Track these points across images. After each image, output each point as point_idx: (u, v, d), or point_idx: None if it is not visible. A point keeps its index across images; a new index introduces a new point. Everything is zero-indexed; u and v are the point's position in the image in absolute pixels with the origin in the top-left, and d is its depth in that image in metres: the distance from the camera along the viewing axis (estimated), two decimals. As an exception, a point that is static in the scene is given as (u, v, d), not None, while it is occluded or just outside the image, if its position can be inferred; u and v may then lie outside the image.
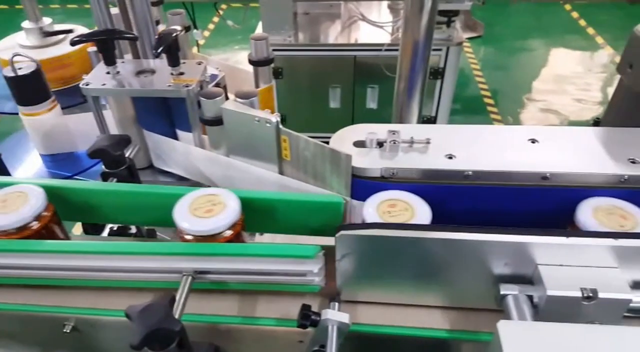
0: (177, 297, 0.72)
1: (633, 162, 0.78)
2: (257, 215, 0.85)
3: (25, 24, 1.39)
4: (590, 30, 5.01)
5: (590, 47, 4.75)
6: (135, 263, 0.77)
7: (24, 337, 0.90)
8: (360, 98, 2.91)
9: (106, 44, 0.96)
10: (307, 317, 0.73)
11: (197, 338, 0.73)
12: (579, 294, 0.65)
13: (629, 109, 0.89)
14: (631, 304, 0.67)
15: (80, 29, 1.44)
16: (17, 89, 1.07)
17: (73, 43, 0.97)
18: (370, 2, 3.16)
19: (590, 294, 0.65)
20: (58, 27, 1.42)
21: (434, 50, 2.72)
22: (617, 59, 4.34)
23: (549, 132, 0.85)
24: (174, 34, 0.95)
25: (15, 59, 1.08)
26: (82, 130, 1.15)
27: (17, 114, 1.17)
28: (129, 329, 0.80)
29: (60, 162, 1.17)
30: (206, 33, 5.00)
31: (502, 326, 0.61)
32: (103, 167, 0.94)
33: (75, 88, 1.37)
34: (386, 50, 2.66)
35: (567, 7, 5.48)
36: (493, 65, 4.55)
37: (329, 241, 0.77)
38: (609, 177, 0.77)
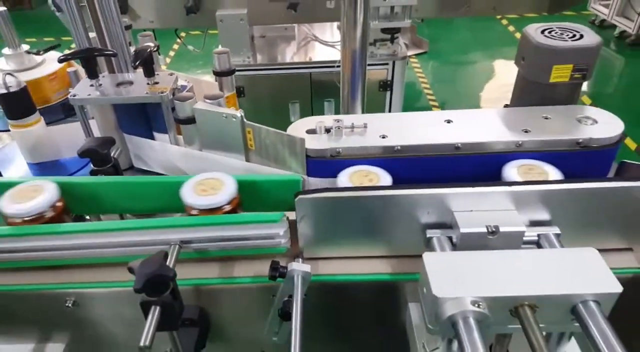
0: (167, 263, 0.87)
1: (526, 132, 0.99)
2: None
3: (5, 50, 1.53)
4: (526, 43, 5.42)
5: (526, 58, 5.14)
6: (128, 238, 0.91)
7: (29, 316, 1.02)
8: (318, 111, 3.11)
9: (89, 60, 1.12)
10: (276, 269, 0.89)
11: (184, 301, 0.88)
12: (484, 230, 0.84)
13: (523, 93, 1.11)
14: (526, 237, 0.87)
15: (56, 53, 1.59)
16: (8, 104, 1.20)
17: (61, 60, 1.13)
18: (321, 24, 3.39)
19: (494, 229, 0.85)
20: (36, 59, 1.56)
21: (381, 64, 2.98)
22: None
23: (461, 114, 1.06)
24: (149, 50, 1.12)
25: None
26: (65, 139, 1.29)
27: (7, 130, 1.31)
28: (123, 300, 0.96)
29: (46, 169, 1.30)
30: (168, 59, 5.15)
31: (427, 256, 0.79)
32: (92, 166, 1.08)
33: (54, 107, 1.51)
34: (338, 66, 2.88)
35: (504, 21, 5.92)
36: (440, 78, 4.87)
37: (293, 215, 0.94)
38: (507, 144, 0.98)
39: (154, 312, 0.79)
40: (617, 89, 4.90)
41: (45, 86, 1.42)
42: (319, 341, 1.05)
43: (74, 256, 0.94)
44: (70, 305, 0.97)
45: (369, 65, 2.95)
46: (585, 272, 0.76)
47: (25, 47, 1.55)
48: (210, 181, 0.96)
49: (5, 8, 1.49)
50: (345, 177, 0.98)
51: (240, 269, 0.97)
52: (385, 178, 0.97)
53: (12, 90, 1.19)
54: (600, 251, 0.94)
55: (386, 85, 3.00)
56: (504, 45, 5.39)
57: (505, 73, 4.83)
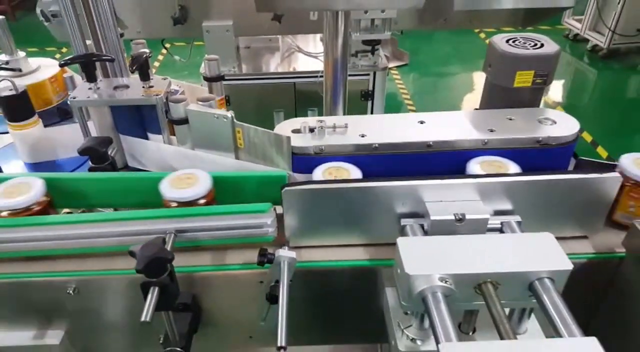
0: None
1: (491, 131, 1.10)
2: (222, 191, 1.09)
3: (2, 56, 1.59)
4: (503, 56, 5.63)
5: (503, 70, 5.34)
6: (127, 227, 0.99)
7: (32, 303, 1.08)
8: (301, 120, 3.20)
9: (88, 65, 1.20)
10: (264, 256, 0.97)
11: (181, 288, 0.96)
12: (452, 217, 0.94)
13: (490, 97, 1.22)
14: (490, 225, 0.96)
15: (54, 62, 1.65)
16: (8, 107, 1.27)
17: (62, 65, 1.20)
18: (305, 35, 3.50)
19: (460, 217, 0.94)
20: (32, 61, 1.63)
21: (363, 75, 3.10)
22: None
23: (433, 116, 1.16)
24: (144, 56, 1.20)
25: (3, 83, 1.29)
26: (62, 140, 1.36)
27: (5, 132, 1.37)
28: (122, 288, 1.02)
29: (43, 170, 1.36)
30: (153, 69, 5.22)
31: (400, 240, 0.88)
32: (90, 163, 1.16)
33: (50, 111, 1.58)
34: (321, 76, 2.98)
35: (482, 35, 6.12)
36: (420, 89, 5.02)
37: (280, 209, 1.02)
38: (475, 142, 1.08)
39: (153, 292, 0.86)
40: (591, 101, 5.10)
41: (41, 91, 1.48)
42: (304, 325, 1.12)
43: (76, 245, 1.01)
44: (71, 292, 1.04)
45: (350, 75, 3.08)
46: (541, 253, 0.85)
47: (22, 54, 1.62)
48: (187, 176, 1.04)
49: (3, 17, 1.56)
50: (319, 172, 1.07)
51: (231, 257, 1.04)
52: (356, 173, 1.06)
53: (12, 93, 1.26)
54: (559, 238, 1.04)
55: (367, 95, 3.11)
56: (482, 57, 5.55)
57: (482, 84, 5.00)
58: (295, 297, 1.06)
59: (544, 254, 0.85)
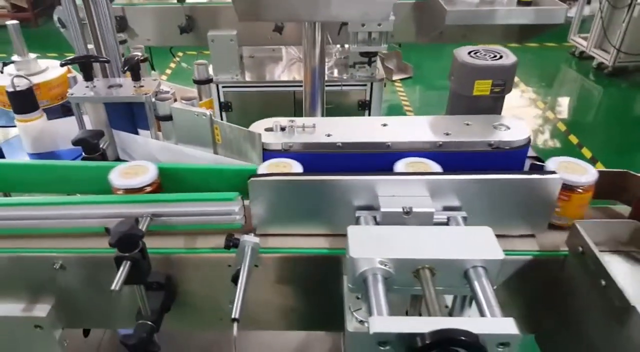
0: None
1: (447, 134, 1.18)
2: (199, 182, 1.19)
3: (15, 57, 1.72)
4: (508, 72, 5.71)
5: (508, 86, 5.41)
6: (108, 210, 1.09)
7: (21, 277, 1.18)
8: (300, 127, 3.30)
9: (86, 65, 1.31)
10: (230, 240, 1.07)
11: (154, 268, 1.05)
12: (401, 210, 1.02)
13: (453, 105, 1.31)
14: (437, 219, 1.05)
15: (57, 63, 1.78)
16: (15, 100, 1.39)
17: (62, 64, 1.32)
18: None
19: (408, 210, 1.02)
20: (41, 62, 1.76)
21: (360, 85, 3.20)
22: (531, 94, 4.96)
23: (396, 120, 1.25)
24: (136, 58, 1.32)
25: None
26: (62, 133, 1.47)
27: (12, 126, 1.49)
28: (103, 266, 1.12)
29: (44, 159, 1.48)
30: (164, 77, 5.39)
31: (350, 228, 0.96)
32: (83, 153, 1.27)
33: (54, 108, 1.70)
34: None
35: (489, 51, 6.20)
36: (424, 102, 5.11)
37: None
38: (430, 143, 1.17)
39: (125, 266, 0.96)
40: (595, 117, 5.14)
41: (47, 89, 1.61)
42: (268, 309, 1.21)
43: (61, 225, 1.12)
44: (57, 267, 1.14)
45: (348, 85, 3.19)
46: (477, 244, 0.93)
47: (33, 55, 1.75)
48: (135, 167, 1.14)
49: (17, 21, 1.69)
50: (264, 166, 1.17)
51: (202, 242, 1.14)
52: (297, 169, 1.16)
53: (19, 89, 1.38)
54: (508, 236, 1.13)
55: (365, 105, 3.21)
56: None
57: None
58: (260, 283, 1.16)
59: (480, 245, 0.93)
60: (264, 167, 1.16)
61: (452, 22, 2.63)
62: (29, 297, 1.22)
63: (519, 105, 5.01)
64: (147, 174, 1.12)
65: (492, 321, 0.81)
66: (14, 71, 1.72)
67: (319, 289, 1.18)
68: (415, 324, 0.77)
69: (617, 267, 1.04)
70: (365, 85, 3.16)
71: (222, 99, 3.13)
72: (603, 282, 0.92)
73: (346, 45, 3.28)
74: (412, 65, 5.41)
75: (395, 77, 5.31)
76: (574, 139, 4.41)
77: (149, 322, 1.08)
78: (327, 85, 3.12)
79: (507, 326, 0.78)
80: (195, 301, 1.22)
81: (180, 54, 5.66)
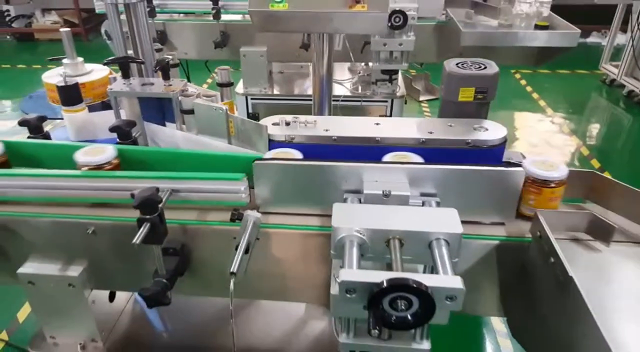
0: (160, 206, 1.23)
1: (430, 133, 1.34)
2: (214, 167, 1.38)
3: (65, 60, 1.98)
4: (535, 95, 5.77)
5: (535, 109, 5.48)
6: (134, 184, 1.28)
7: (58, 241, 1.39)
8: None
9: (124, 65, 1.54)
10: (236, 213, 1.25)
11: (171, 236, 1.24)
12: (381, 193, 1.18)
13: (443, 110, 1.45)
14: (413, 202, 1.20)
15: (103, 67, 2.04)
16: (64, 94, 1.63)
17: (105, 63, 1.55)
18: (334, 63, 3.82)
19: (387, 193, 1.18)
20: (87, 65, 2.01)
21: (381, 101, 3.37)
22: (556, 119, 5.00)
23: (388, 120, 1.42)
24: (166, 60, 1.54)
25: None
26: (101, 124, 1.69)
27: (59, 118, 1.73)
28: (129, 233, 1.31)
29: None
30: (205, 85, 5.72)
31: (336, 205, 1.13)
32: (118, 139, 1.48)
33: (96, 105, 1.94)
34: (342, 100, 3.29)
35: (517, 75, 6.29)
36: (449, 122, 5.21)
37: None
38: (414, 140, 1.32)
39: (145, 227, 1.15)
40: (622, 144, 5.12)
41: (91, 88, 1.84)
42: (268, 280, 1.38)
43: (94, 196, 1.32)
44: (90, 232, 1.34)
45: (370, 101, 3.36)
46: (441, 221, 1.08)
47: (80, 59, 2.01)
48: (96, 149, 1.36)
49: (69, 29, 1.95)
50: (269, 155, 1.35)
51: (212, 216, 1.32)
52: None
53: (68, 84, 1.62)
54: (479, 223, 1.27)
55: (385, 120, 3.37)
56: (514, 96, 5.73)
57: (512, 121, 5.14)
58: (260, 256, 1.33)
59: (444, 222, 1.07)
60: (269, 154, 1.34)
61: (468, 43, 2.78)
62: (64, 258, 1.43)
63: (546, 129, 5.05)
64: (105, 154, 1.36)
65: (442, 277, 0.96)
66: (64, 71, 1.99)
67: (311, 262, 1.33)
68: (376, 275, 0.93)
69: (572, 253, 1.16)
70: (386, 101, 3.33)
71: (250, 110, 3.36)
72: (552, 259, 1.05)
73: (369, 64, 3.47)
74: (439, 87, 5.54)
75: (422, 98, 5.45)
76: (595, 163, 4.43)
77: (164, 280, 1.26)
78: (348, 100, 3.33)
79: (455, 282, 0.92)
80: (205, 269, 1.39)
81: (217, 70, 6.02)
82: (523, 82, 6.15)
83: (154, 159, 1.40)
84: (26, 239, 1.41)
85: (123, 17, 1.70)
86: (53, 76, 2.03)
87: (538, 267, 1.16)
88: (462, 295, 0.92)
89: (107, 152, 1.35)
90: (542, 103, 5.62)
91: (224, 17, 3.13)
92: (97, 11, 3.07)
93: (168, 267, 1.29)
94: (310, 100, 3.37)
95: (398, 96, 3.35)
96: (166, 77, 1.54)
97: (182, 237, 1.34)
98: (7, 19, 8.64)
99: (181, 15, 3.30)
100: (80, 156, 1.34)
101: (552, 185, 1.22)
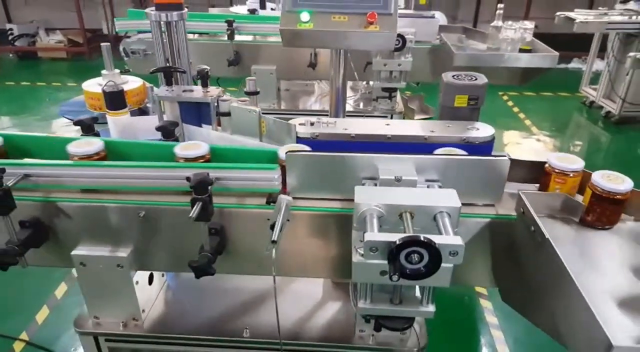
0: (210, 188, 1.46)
1: (432, 132, 1.60)
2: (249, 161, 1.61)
3: (104, 71, 2.23)
4: (521, 115, 6.12)
5: (521, 128, 5.81)
6: (182, 173, 1.51)
7: (111, 224, 1.61)
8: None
9: (167, 73, 1.79)
10: (271, 197, 1.49)
11: (212, 219, 1.47)
12: (393, 178, 1.43)
13: (442, 114, 1.72)
14: (420, 186, 1.44)
15: (137, 78, 2.28)
16: (111, 99, 1.87)
17: (152, 72, 1.80)
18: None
19: (399, 178, 1.43)
20: (123, 77, 2.25)
21: (381, 117, 3.64)
22: (541, 136, 5.34)
23: (397, 121, 1.67)
24: (206, 70, 1.79)
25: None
26: (140, 127, 1.93)
27: (101, 123, 1.97)
28: (175, 217, 1.53)
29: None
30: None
31: (357, 187, 1.37)
32: (162, 137, 1.72)
33: (134, 111, 2.18)
34: (346, 115, 3.55)
35: (505, 97, 6.65)
36: (440, 139, 5.52)
37: None
38: (419, 137, 1.58)
39: (197, 206, 1.38)
40: (606, 160, 5.44)
41: (129, 96, 2.08)
42: (297, 258, 1.60)
43: (147, 184, 1.54)
44: (141, 215, 1.57)
45: (372, 116, 3.62)
46: (443, 198, 1.32)
47: (117, 71, 2.25)
48: (192, 145, 1.58)
49: (108, 43, 2.20)
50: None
51: (249, 201, 1.55)
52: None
53: (114, 90, 1.87)
54: (473, 205, 1.51)
55: (384, 135, 3.64)
56: (503, 116, 6.07)
57: (500, 138, 5.46)
58: (291, 236, 1.55)
59: (445, 199, 1.32)
60: (282, 150, 1.57)
61: (460, 63, 3.08)
62: (114, 241, 1.63)
63: (531, 146, 5.37)
64: (201, 149, 1.57)
65: (446, 236, 1.19)
66: (102, 81, 2.23)
67: (332, 240, 1.56)
68: (394, 236, 1.16)
69: (548, 225, 1.41)
70: (386, 116, 3.60)
71: (259, 123, 3.61)
72: (532, 228, 1.30)
73: (371, 82, 3.76)
74: (433, 108, 5.86)
75: (416, 117, 5.75)
76: (578, 178, 4.75)
77: (209, 254, 1.49)
78: (351, 116, 3.60)
79: (456, 240, 1.16)
80: (240, 249, 1.61)
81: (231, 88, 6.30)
82: (510, 103, 6.51)
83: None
84: (80, 224, 1.61)
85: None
86: (92, 85, 2.28)
87: (522, 239, 1.40)
88: (462, 250, 1.15)
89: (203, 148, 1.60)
90: (527, 122, 5.97)
91: (237, 37, 3.40)
92: (104, 32, 3.32)
93: (211, 244, 1.52)
94: (314, 114, 3.67)
95: (397, 112, 3.63)
96: (205, 84, 1.79)
97: (221, 219, 1.56)
98: (10, 37, 8.90)
99: (196, 35, 3.56)
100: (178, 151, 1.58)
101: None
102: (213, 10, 4.79)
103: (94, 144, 1.59)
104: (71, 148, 1.58)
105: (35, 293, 3.27)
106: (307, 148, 1.58)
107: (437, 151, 1.55)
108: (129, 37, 3.51)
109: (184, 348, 1.82)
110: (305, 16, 1.72)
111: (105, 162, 1.58)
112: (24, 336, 2.94)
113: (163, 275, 2.03)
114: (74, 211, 1.59)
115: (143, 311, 1.81)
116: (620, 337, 0.96)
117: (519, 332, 2.92)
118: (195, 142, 1.61)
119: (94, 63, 8.52)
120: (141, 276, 1.82)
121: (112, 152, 1.64)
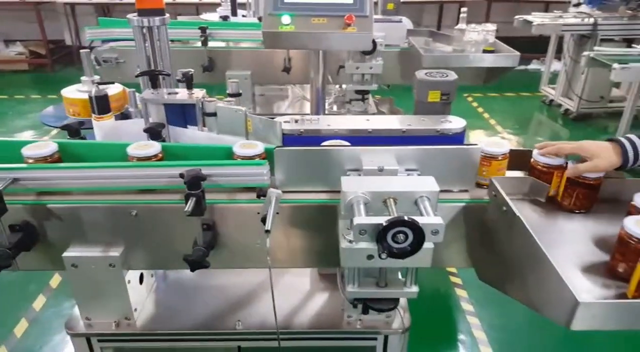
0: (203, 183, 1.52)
1: (409, 125, 1.71)
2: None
3: (83, 78, 2.27)
4: (486, 115, 6.36)
5: (486, 127, 6.04)
6: (173, 171, 1.57)
7: (105, 223, 1.65)
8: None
9: (153, 77, 1.85)
10: (261, 190, 1.56)
11: (205, 215, 1.53)
12: (376, 168, 1.52)
13: (417, 109, 1.84)
14: (400, 175, 1.55)
15: (118, 85, 2.32)
16: (96, 103, 1.91)
17: (137, 75, 1.85)
18: (308, 85, 4.21)
19: (381, 168, 1.52)
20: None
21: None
22: (507, 135, 5.56)
23: (375, 117, 1.78)
24: (190, 73, 1.86)
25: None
26: (124, 131, 1.96)
27: (90, 128, 2.00)
28: (167, 215, 1.58)
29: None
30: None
31: (343, 178, 1.46)
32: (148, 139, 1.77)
33: (116, 116, 2.22)
34: (318, 117, 3.65)
35: (470, 98, 6.89)
36: (410, 140, 5.69)
37: None
38: (397, 130, 1.69)
39: (191, 201, 1.44)
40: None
41: (112, 100, 2.12)
42: (285, 249, 1.68)
43: (138, 183, 1.59)
44: (133, 214, 1.61)
45: (345, 117, 3.69)
46: (423, 184, 1.42)
47: (97, 77, 2.30)
48: (143, 145, 1.64)
49: (88, 50, 2.24)
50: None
51: (240, 196, 1.62)
52: None
53: (100, 94, 1.91)
54: (449, 191, 1.62)
55: (357, 134, 3.76)
56: (468, 116, 6.24)
57: (466, 137, 5.66)
58: (279, 228, 1.63)
59: (424, 185, 1.42)
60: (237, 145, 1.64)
61: (428, 65, 3.22)
62: (106, 241, 1.67)
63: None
64: (152, 149, 1.62)
65: (428, 217, 1.30)
66: (81, 88, 2.27)
67: (320, 231, 1.65)
68: (381, 219, 1.26)
69: (520, 207, 1.53)
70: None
71: (236, 127, 3.67)
72: (504, 208, 1.42)
73: (344, 86, 3.87)
74: (402, 110, 6.03)
75: (375, 109, 5.94)
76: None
77: (203, 248, 1.55)
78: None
79: (437, 219, 1.27)
80: (231, 243, 1.68)
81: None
82: (475, 104, 6.75)
83: (177, 153, 1.70)
84: (71, 225, 1.63)
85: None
86: (72, 92, 2.32)
87: (495, 219, 1.52)
88: (443, 229, 1.26)
89: (154, 148, 1.64)
90: (492, 122, 6.21)
91: (211, 43, 3.45)
92: (67, 43, 3.32)
93: (205, 240, 1.58)
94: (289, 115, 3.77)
95: (370, 114, 3.75)
96: (190, 86, 1.86)
97: (213, 215, 1.63)
98: (-34, 49, 8.65)
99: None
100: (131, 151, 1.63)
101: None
102: (181, 19, 4.83)
103: (152, 147, 1.65)
104: (131, 150, 1.62)
105: (11, 307, 3.24)
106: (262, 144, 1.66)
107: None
108: (93, 47, 3.50)
109: (179, 344, 1.86)
110: (286, 19, 1.81)
111: (89, 164, 1.61)
112: (3, 349, 2.90)
113: (152, 275, 2.07)
114: (63, 212, 1.62)
115: (135, 310, 1.85)
116: (584, 296, 1.08)
117: (493, 318, 3.07)
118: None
119: (58, 75, 8.39)
120: (132, 276, 1.86)
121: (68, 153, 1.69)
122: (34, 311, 3.18)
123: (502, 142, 1.63)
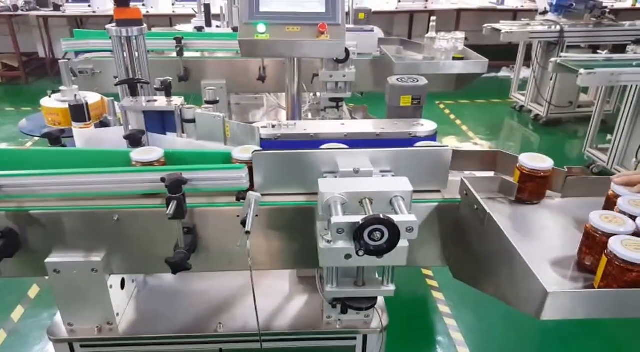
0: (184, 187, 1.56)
1: (383, 129, 1.78)
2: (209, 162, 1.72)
3: (62, 88, 2.28)
4: (458, 122, 6.52)
5: (458, 133, 6.18)
6: (154, 176, 1.60)
7: (86, 229, 1.66)
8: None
9: (132, 85, 1.88)
10: (240, 194, 1.60)
11: (186, 219, 1.56)
12: (352, 170, 1.58)
13: (389, 114, 1.91)
14: (375, 176, 1.61)
15: (96, 94, 2.33)
16: (75, 112, 1.93)
17: (117, 84, 1.88)
18: (284, 94, 4.27)
19: (357, 170, 1.58)
20: (81, 93, 2.30)
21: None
22: (477, 140, 5.70)
23: (350, 121, 1.84)
24: (168, 81, 1.89)
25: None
26: (104, 138, 1.99)
27: (70, 136, 2.01)
28: (149, 220, 1.61)
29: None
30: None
31: (320, 180, 1.52)
32: (129, 146, 1.80)
33: (95, 124, 2.23)
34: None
35: (442, 106, 7.05)
36: (386, 147, 5.79)
37: None
38: (371, 134, 1.75)
39: (173, 204, 1.48)
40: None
41: (91, 109, 2.14)
42: (265, 250, 1.72)
43: (119, 189, 1.62)
44: (115, 219, 1.63)
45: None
46: (397, 184, 1.48)
47: (75, 86, 2.31)
48: (146, 149, 1.69)
49: (67, 60, 2.26)
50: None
51: (219, 199, 1.66)
52: None
53: (78, 103, 1.93)
54: (423, 191, 1.69)
55: (333, 140, 3.82)
56: (440, 123, 6.38)
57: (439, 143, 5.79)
58: (258, 230, 1.67)
59: (399, 185, 1.48)
60: (237, 151, 1.68)
61: (400, 72, 3.31)
62: (88, 246, 1.69)
63: (468, 149, 5.73)
64: (154, 154, 1.67)
65: (402, 215, 1.36)
66: (61, 97, 2.28)
67: (300, 233, 1.69)
68: (357, 217, 1.31)
69: (490, 205, 1.61)
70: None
71: (212, 136, 3.70)
72: (475, 207, 1.49)
73: (318, 94, 3.93)
74: (376, 117, 6.15)
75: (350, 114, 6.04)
76: (513, 176, 5.14)
77: (185, 250, 1.58)
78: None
79: (411, 217, 1.33)
80: (211, 246, 1.71)
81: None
82: (447, 111, 6.92)
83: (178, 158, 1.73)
84: (53, 231, 1.64)
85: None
86: (50, 101, 2.33)
87: (467, 218, 1.59)
88: (417, 226, 1.32)
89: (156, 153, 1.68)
90: (464, 128, 6.37)
91: (186, 54, 3.48)
92: (40, 55, 3.32)
93: (186, 243, 1.61)
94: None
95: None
96: (168, 94, 1.89)
97: (193, 219, 1.66)
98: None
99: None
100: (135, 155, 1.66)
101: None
102: (155, 31, 4.84)
103: (154, 152, 1.67)
104: (135, 156, 1.65)
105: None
106: (258, 148, 1.71)
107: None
108: (69, 59, 3.49)
109: (161, 348, 1.88)
110: (261, 28, 1.87)
111: (75, 170, 1.63)
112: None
113: (133, 281, 2.08)
114: (45, 218, 1.63)
115: (117, 314, 1.86)
116: (553, 287, 1.15)
117: (470, 319, 3.15)
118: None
119: (32, 87, 8.27)
120: (114, 281, 1.87)
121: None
122: (13, 322, 3.14)
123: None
